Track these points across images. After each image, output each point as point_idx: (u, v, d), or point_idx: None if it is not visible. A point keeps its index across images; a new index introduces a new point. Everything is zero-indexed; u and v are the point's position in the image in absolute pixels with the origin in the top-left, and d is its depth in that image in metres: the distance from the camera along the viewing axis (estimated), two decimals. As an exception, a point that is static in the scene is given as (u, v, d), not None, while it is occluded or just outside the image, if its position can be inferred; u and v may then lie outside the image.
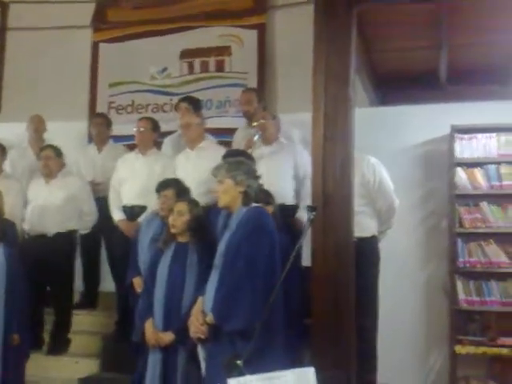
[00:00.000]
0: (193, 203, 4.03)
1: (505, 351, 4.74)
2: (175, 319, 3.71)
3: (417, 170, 5.36)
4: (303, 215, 4.37)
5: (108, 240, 5.36)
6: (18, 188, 5.17)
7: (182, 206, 3.94)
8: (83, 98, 6.44)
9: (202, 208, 4.34)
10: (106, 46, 6.54)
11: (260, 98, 5.34)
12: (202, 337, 3.37)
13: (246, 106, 5.29)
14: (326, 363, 3.38)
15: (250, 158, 4.30)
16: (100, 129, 5.70)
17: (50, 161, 5.08)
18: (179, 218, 3.89)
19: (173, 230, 3.90)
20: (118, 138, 5.91)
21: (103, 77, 6.48)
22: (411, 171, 5.32)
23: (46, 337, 4.97)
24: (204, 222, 3.96)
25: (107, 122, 5.78)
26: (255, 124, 4.79)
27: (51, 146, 5.17)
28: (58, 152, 5.13)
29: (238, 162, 3.62)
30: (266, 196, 3.97)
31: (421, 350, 5.17)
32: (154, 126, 5.20)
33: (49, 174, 5.09)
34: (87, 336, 5.02)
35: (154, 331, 3.75)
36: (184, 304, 3.70)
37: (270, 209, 3.91)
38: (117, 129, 5.89)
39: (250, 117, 5.22)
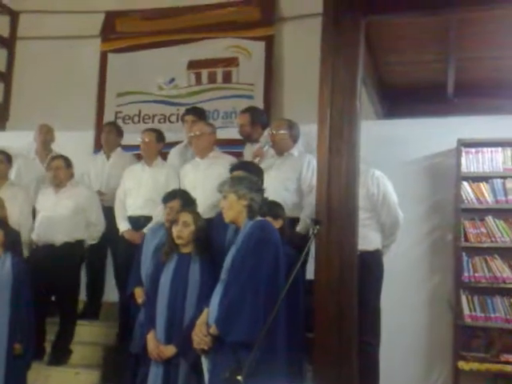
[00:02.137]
0: (196, 214, 4.01)
1: (508, 368, 4.66)
2: (177, 331, 3.67)
3: (422, 184, 5.30)
4: (303, 228, 4.35)
5: (114, 250, 5.32)
6: (24, 196, 5.13)
7: (187, 217, 3.90)
8: (91, 107, 6.42)
9: (209, 219, 4.31)
10: (115, 56, 6.56)
11: (254, 119, 5.19)
12: (206, 348, 3.34)
13: (240, 128, 5.26)
14: (328, 378, 3.32)
15: (257, 168, 4.25)
16: (108, 136, 5.69)
17: (60, 171, 5.04)
18: (185, 229, 3.85)
19: (178, 241, 3.85)
20: (125, 148, 5.86)
21: (111, 87, 6.49)
22: (417, 185, 5.26)
23: (48, 347, 4.90)
24: (207, 234, 3.92)
25: (116, 130, 5.76)
26: (270, 133, 4.75)
27: (61, 157, 5.14)
28: (67, 162, 5.10)
29: (241, 176, 3.66)
30: (276, 208, 3.92)
31: (423, 365, 5.09)
32: (159, 136, 5.21)
33: (58, 184, 5.06)
34: (89, 347, 4.96)
35: (156, 344, 3.70)
36: (186, 316, 3.66)
37: (279, 222, 3.85)
38: (124, 139, 5.84)
39: (246, 136, 5.23)
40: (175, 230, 3.86)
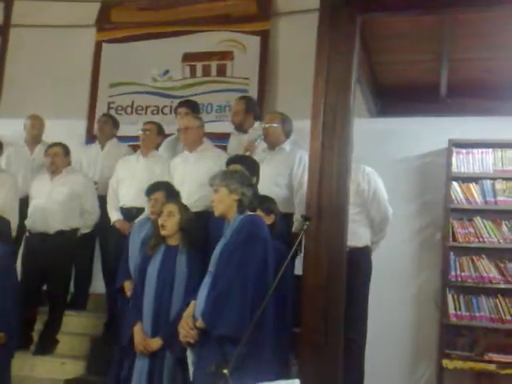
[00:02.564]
0: (182, 205, 3.99)
1: (492, 367, 4.70)
2: (164, 324, 3.65)
3: (413, 182, 5.32)
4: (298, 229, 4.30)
5: (103, 240, 5.29)
6: (12, 182, 5.07)
7: (171, 207, 3.90)
8: (83, 97, 6.38)
9: (202, 213, 4.29)
10: (109, 46, 6.49)
11: (248, 107, 5.20)
12: (192, 341, 3.32)
13: (234, 115, 5.26)
14: (313, 373, 3.32)
15: (253, 163, 4.24)
16: (103, 126, 5.70)
17: (58, 158, 5.02)
18: (170, 219, 3.84)
19: (163, 232, 3.83)
20: (118, 139, 5.84)
21: (104, 77, 6.44)
22: (408, 183, 5.29)
23: (36, 336, 4.88)
24: (195, 226, 3.91)
25: (112, 122, 5.76)
26: (263, 126, 4.73)
27: (60, 144, 5.11)
28: (65, 150, 5.09)
29: (233, 171, 3.63)
30: (268, 203, 3.91)
31: (408, 362, 5.12)
32: (159, 129, 5.23)
33: (54, 171, 5.03)
34: (75, 337, 4.94)
35: (142, 337, 3.68)
36: (173, 309, 3.65)
37: (271, 217, 3.84)
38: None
39: (238, 124, 5.22)
40: (160, 220, 3.85)
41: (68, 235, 4.92)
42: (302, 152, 4.56)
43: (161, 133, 5.24)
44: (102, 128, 5.68)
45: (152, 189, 4.30)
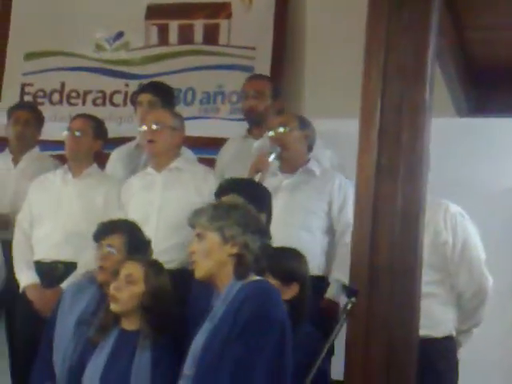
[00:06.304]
0: (154, 267, 4.04)
1: None
2: None
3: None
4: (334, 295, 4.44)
5: (10, 317, 5.33)
6: None
7: (133, 268, 3.94)
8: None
9: (180, 272, 4.40)
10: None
11: (276, 91, 5.38)
12: None
13: (252, 101, 5.35)
14: None
15: (262, 191, 4.29)
16: (24, 129, 5.78)
17: None
18: (127, 288, 3.89)
19: (113, 307, 3.89)
20: (39, 146, 5.92)
21: (16, 43, 6.58)
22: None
23: None
24: (169, 301, 3.94)
25: (37, 119, 5.85)
26: (271, 134, 4.79)
27: None
28: None
29: (230, 204, 3.60)
30: (288, 263, 3.96)
31: None
32: (97, 128, 5.28)
33: None
34: None
35: None
36: None
37: (293, 288, 3.88)
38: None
39: (256, 120, 5.33)
40: (112, 288, 3.91)
41: None
42: (341, 177, 4.71)
43: (100, 134, 5.29)
44: (20, 131, 5.75)
45: (105, 231, 4.34)
